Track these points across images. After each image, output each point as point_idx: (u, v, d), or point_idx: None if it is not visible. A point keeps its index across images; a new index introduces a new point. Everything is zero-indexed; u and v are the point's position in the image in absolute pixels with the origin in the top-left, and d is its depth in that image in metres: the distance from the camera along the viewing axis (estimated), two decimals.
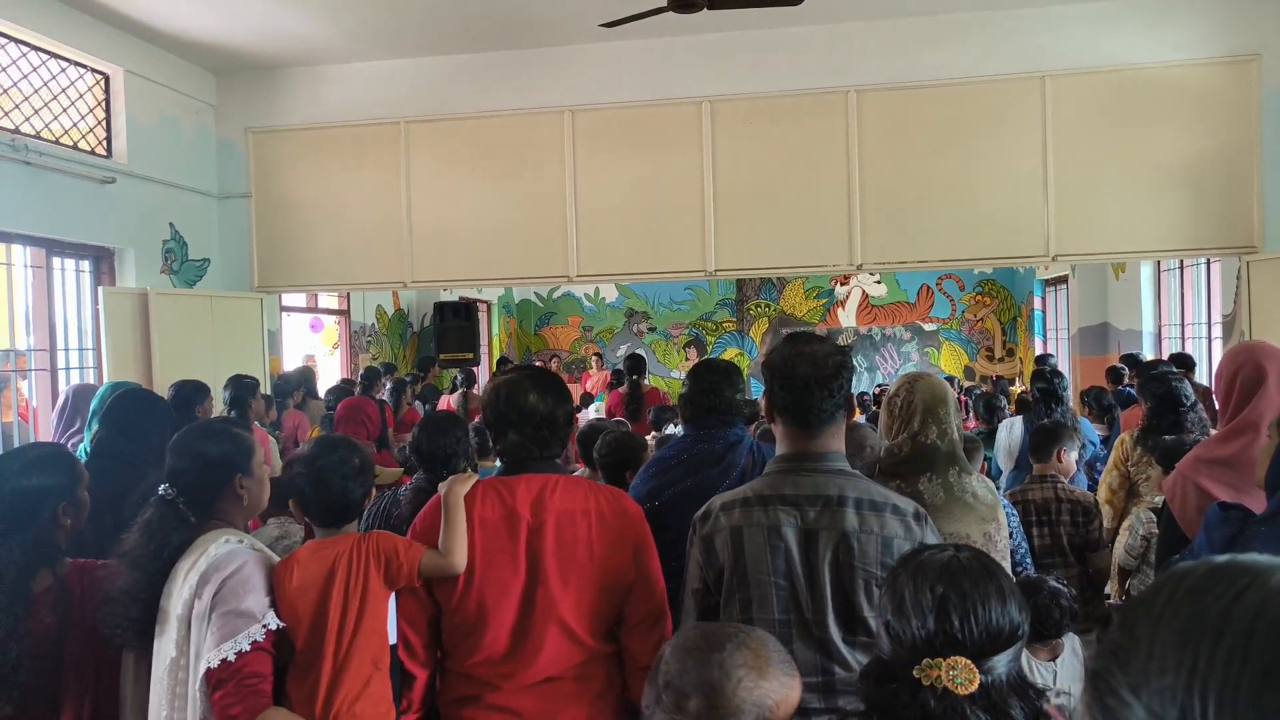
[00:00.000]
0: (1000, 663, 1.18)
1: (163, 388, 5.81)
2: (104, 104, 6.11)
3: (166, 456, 2.02)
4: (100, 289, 5.79)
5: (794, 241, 6.54)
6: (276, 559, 1.94)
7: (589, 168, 6.75)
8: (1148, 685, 0.49)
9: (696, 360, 13.22)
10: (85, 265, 6.01)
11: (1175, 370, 4.79)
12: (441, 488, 1.97)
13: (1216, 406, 2.54)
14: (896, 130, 6.40)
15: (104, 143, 6.08)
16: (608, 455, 3.28)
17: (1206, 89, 6.05)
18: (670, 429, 5.85)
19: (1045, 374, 5.05)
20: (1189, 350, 8.38)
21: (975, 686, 1.14)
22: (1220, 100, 6.03)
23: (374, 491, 2.03)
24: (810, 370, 1.82)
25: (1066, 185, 6.21)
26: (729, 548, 1.82)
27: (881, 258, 6.51)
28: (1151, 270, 9.11)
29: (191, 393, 4.19)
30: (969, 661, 1.15)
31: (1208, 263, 7.86)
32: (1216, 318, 7.69)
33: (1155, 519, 3.22)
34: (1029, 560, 3.04)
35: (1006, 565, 2.46)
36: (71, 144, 5.76)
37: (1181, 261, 8.37)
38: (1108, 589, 3.69)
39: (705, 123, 6.61)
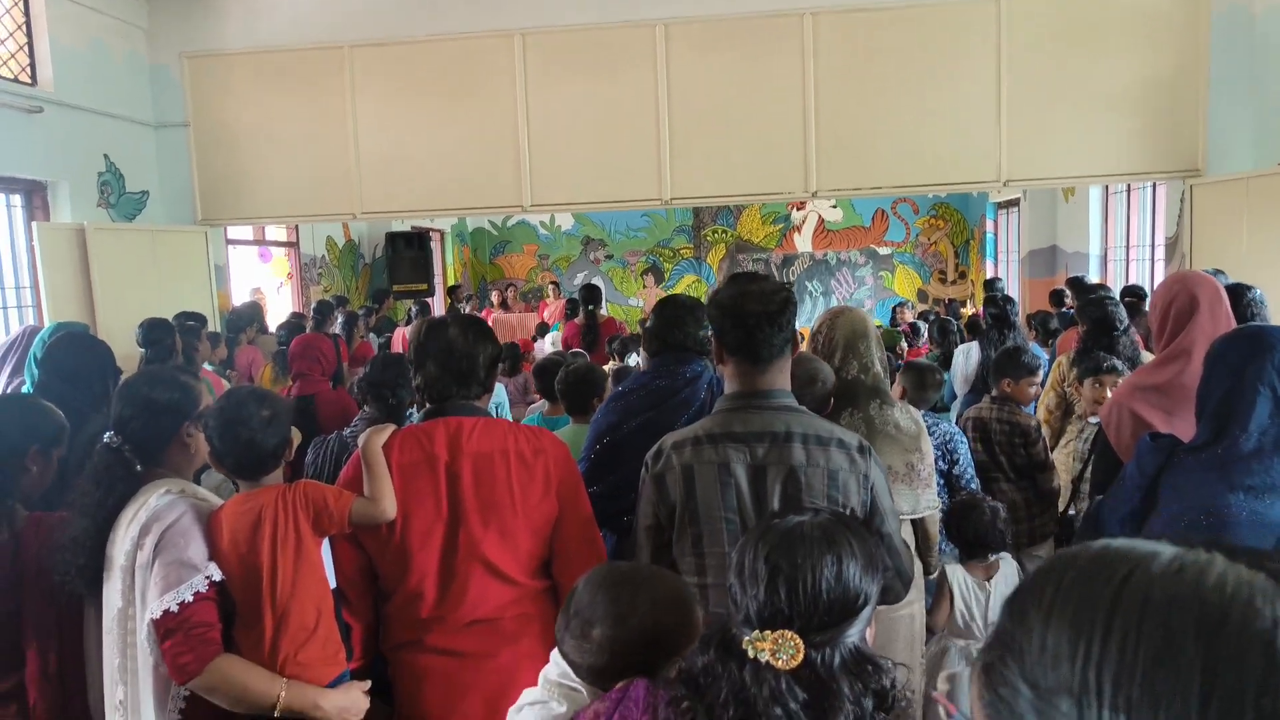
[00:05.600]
0: (836, 637, 1.13)
1: (106, 325, 5.68)
2: (24, 27, 5.77)
3: (113, 402, 1.99)
4: (34, 224, 5.57)
5: (750, 169, 6.50)
6: (219, 504, 1.94)
7: (541, 93, 6.59)
8: (1044, 676, 0.51)
9: (654, 287, 13.13)
10: (16, 199, 5.77)
11: (1112, 295, 4.92)
12: (360, 440, 1.98)
13: (1153, 329, 2.62)
14: (852, 55, 6.33)
15: (28, 69, 5.77)
16: (573, 386, 3.32)
17: (1157, 10, 6.06)
18: (633, 358, 5.86)
19: (997, 300, 5.15)
20: (1133, 271, 8.59)
21: (796, 662, 1.09)
22: (1170, 22, 6.05)
23: (293, 440, 1.99)
24: (759, 307, 1.85)
25: (1019, 110, 6.23)
26: (680, 485, 1.86)
27: (836, 184, 6.51)
28: (1099, 194, 9.24)
29: (162, 333, 4.11)
30: (794, 635, 1.10)
31: (1153, 186, 7.99)
32: (1160, 240, 7.86)
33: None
34: (975, 485, 3.16)
35: (930, 492, 2.56)
36: None
37: (1129, 185, 8.49)
38: (1071, 508, 3.81)
39: (660, 46, 6.46)
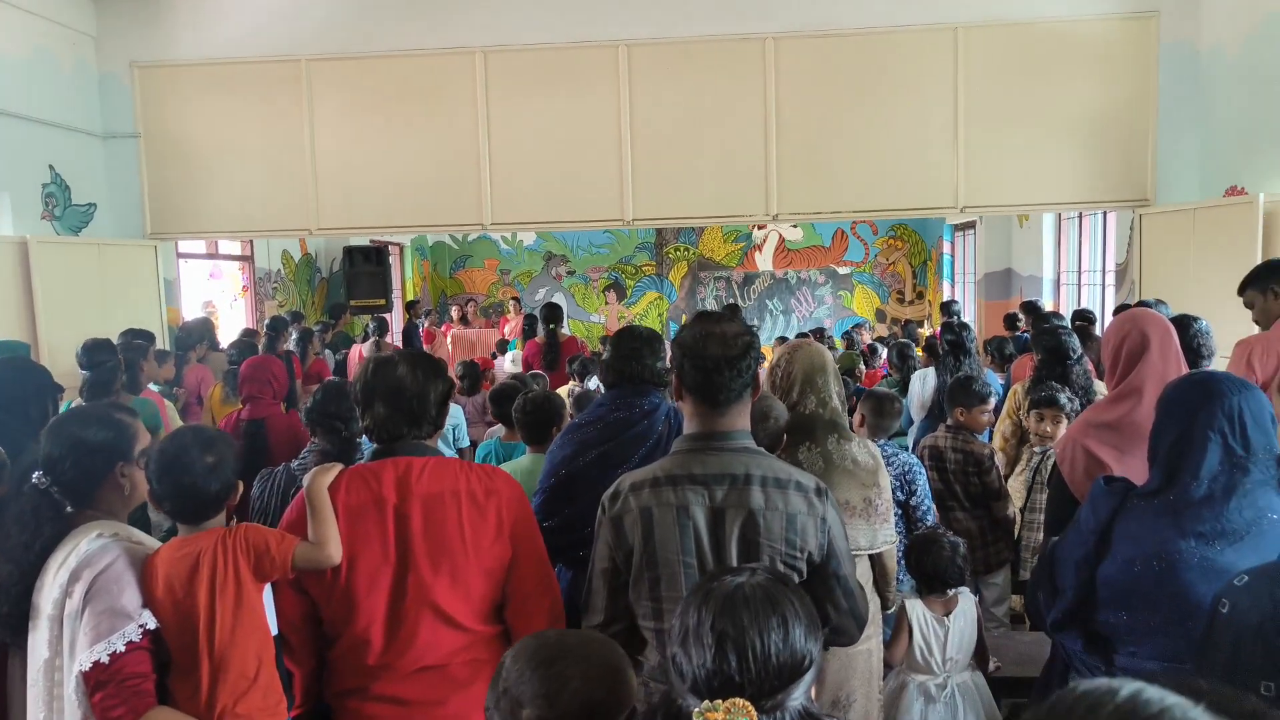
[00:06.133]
0: (786, 700, 1.14)
1: (49, 342, 5.50)
2: None
3: (41, 441, 1.90)
4: None
5: (711, 191, 6.52)
6: (154, 547, 1.86)
7: (502, 112, 6.55)
8: None
9: (616, 304, 13.08)
10: None
11: (1065, 324, 5.00)
12: (304, 480, 1.91)
13: (1105, 366, 2.65)
14: (813, 79, 6.39)
15: None
16: (530, 415, 3.26)
17: (1109, 44, 6.21)
18: (594, 381, 5.81)
19: (954, 326, 5.21)
20: (1084, 296, 8.76)
21: None
22: (1121, 56, 6.21)
23: (239, 485, 1.93)
24: (720, 351, 1.82)
25: (975, 137, 6.33)
26: (638, 528, 1.82)
27: (797, 208, 6.56)
28: (1053, 219, 9.44)
29: (105, 354, 3.93)
30: (747, 703, 1.09)
31: (1104, 214, 8.18)
32: (1111, 266, 8.03)
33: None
34: (930, 516, 3.16)
35: (888, 527, 2.56)
36: None
37: (1080, 212, 8.68)
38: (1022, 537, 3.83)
39: (622, 67, 6.46)
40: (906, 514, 3.20)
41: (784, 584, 1.23)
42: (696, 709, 1.10)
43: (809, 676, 1.17)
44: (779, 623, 1.15)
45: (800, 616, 1.18)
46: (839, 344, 9.68)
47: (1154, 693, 0.50)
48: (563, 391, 5.72)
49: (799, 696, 1.15)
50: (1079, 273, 9.02)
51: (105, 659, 1.68)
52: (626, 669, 1.28)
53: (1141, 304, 4.70)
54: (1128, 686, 0.51)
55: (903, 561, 2.96)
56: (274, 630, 1.87)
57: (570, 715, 1.21)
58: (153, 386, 4.95)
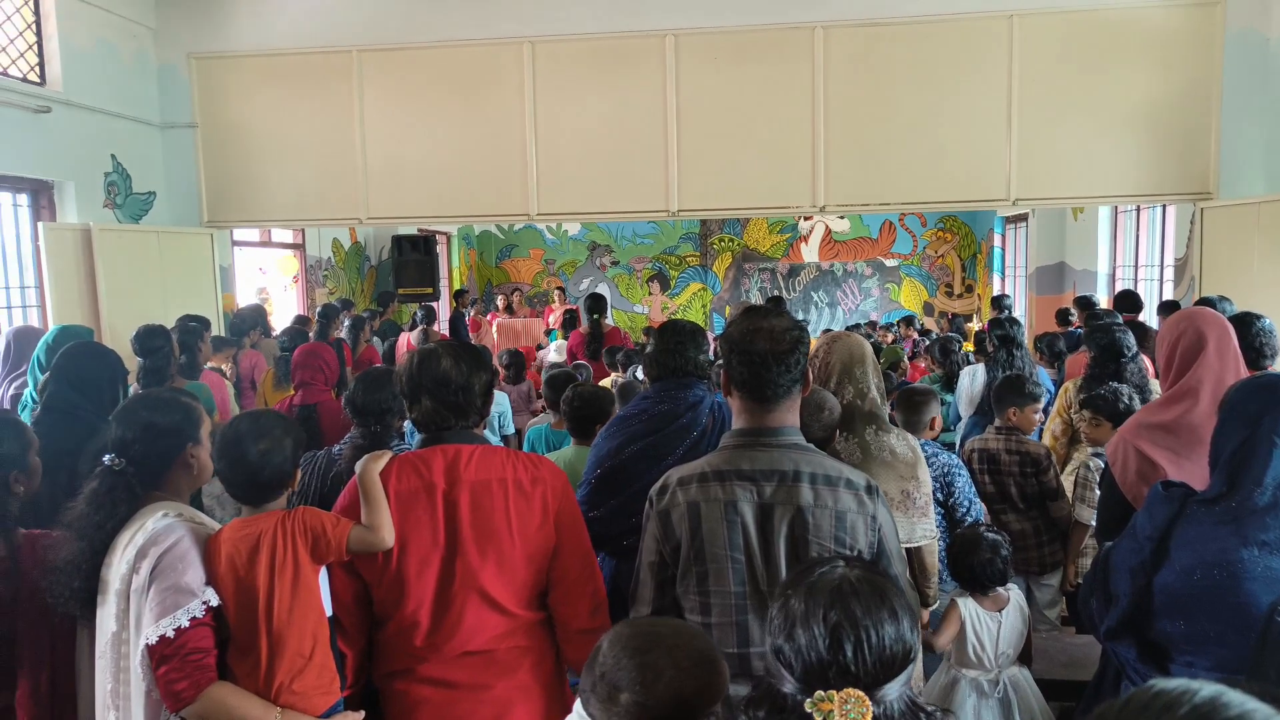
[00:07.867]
0: (893, 690, 1.15)
1: (111, 327, 5.67)
2: (34, 26, 5.77)
3: (112, 425, 1.97)
4: (40, 224, 5.57)
5: (758, 182, 6.47)
6: (216, 527, 1.92)
7: (550, 102, 6.58)
8: None
9: (660, 294, 13.10)
10: (23, 199, 5.76)
11: (1120, 319, 4.87)
12: (357, 467, 1.96)
13: (1160, 366, 2.59)
14: (863, 69, 6.31)
15: (37, 69, 5.77)
16: (579, 409, 3.29)
17: (1171, 32, 6.03)
18: (639, 371, 5.82)
19: (1003, 321, 5.10)
20: (1141, 291, 8.52)
21: None
22: (1183, 44, 6.02)
23: (297, 470, 1.99)
24: (768, 345, 1.81)
25: (1029, 127, 6.20)
26: (686, 522, 1.83)
27: (845, 199, 6.48)
28: (1109, 212, 9.19)
29: (160, 340, 4.03)
30: (862, 694, 1.11)
31: (1163, 206, 7.95)
32: (1169, 260, 7.82)
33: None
34: (971, 514, 3.12)
35: (927, 521, 2.53)
36: (1, 70, 5.46)
37: (1138, 205, 8.45)
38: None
39: (669, 57, 6.44)
40: (947, 514, 3.16)
41: (884, 575, 1.24)
42: (809, 699, 1.11)
43: (911, 669, 1.19)
44: (889, 614, 1.16)
45: (906, 608, 1.19)
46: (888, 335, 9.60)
47: (1235, 697, 0.50)
48: (606, 382, 5.75)
49: (902, 687, 1.17)
50: (1135, 267, 8.79)
51: (170, 634, 1.74)
52: (719, 660, 1.30)
53: (1203, 301, 4.57)
54: (1208, 688, 0.51)
55: (944, 561, 2.93)
56: (329, 612, 1.92)
57: (664, 704, 1.23)
58: (209, 366, 5.08)
